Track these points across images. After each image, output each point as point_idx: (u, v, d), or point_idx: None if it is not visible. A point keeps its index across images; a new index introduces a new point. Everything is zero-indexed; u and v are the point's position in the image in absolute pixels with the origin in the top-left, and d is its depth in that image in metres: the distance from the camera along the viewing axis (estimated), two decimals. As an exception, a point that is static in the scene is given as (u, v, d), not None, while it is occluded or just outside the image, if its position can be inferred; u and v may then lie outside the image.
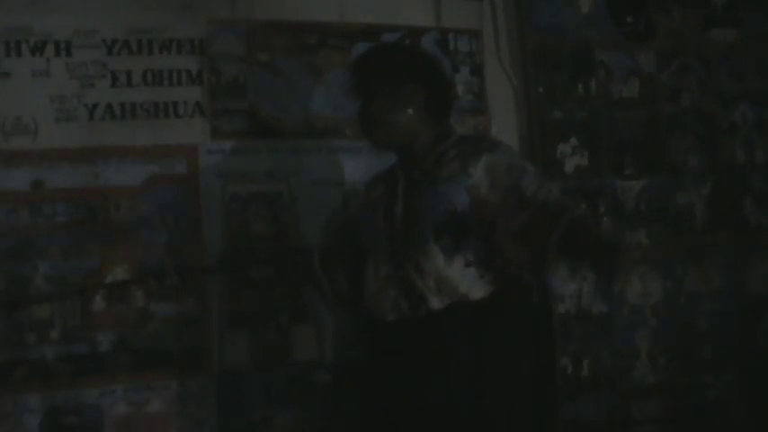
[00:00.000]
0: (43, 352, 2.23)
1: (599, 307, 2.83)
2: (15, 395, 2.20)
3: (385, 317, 2.00)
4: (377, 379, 2.06)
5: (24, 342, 2.22)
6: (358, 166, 2.53)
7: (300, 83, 2.53)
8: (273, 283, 2.40)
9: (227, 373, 2.37)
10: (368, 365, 2.12)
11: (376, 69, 2.08)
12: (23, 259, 2.24)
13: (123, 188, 2.33)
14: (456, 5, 2.73)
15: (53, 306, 2.25)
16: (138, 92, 2.38)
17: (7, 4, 2.29)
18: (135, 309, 2.31)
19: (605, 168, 2.89)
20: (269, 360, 2.41)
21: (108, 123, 2.35)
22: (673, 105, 3.02)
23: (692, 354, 2.95)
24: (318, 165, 2.52)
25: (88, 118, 2.33)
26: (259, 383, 2.40)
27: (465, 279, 1.93)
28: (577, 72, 2.88)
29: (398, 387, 1.98)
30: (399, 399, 1.97)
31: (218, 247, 2.39)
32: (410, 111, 2.04)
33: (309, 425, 2.42)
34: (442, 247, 1.93)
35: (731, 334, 3.01)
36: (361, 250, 2.10)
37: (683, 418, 2.89)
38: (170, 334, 2.33)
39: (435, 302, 1.94)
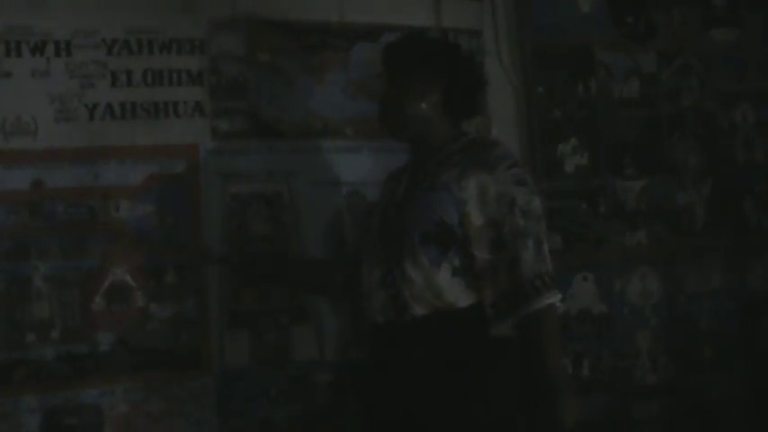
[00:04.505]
0: (43, 352, 2.23)
1: (599, 307, 2.83)
2: (15, 395, 2.20)
3: (374, 319, 1.98)
4: (365, 379, 2.06)
5: (24, 342, 2.22)
6: (358, 166, 2.53)
7: (300, 83, 2.53)
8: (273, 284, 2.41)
9: (227, 373, 2.37)
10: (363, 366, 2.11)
11: (397, 58, 2.03)
12: (23, 259, 2.24)
13: (123, 188, 2.33)
14: (456, 5, 2.73)
15: (53, 306, 2.25)
16: (138, 92, 2.38)
17: (7, 4, 2.28)
18: (135, 309, 2.31)
19: (605, 168, 2.89)
20: (269, 360, 2.41)
21: (108, 123, 2.35)
22: (673, 105, 3.02)
23: (692, 354, 2.95)
24: (318, 165, 2.52)
25: (88, 118, 2.33)
26: (259, 383, 2.40)
27: (452, 288, 1.89)
28: (577, 72, 2.88)
29: (384, 389, 1.97)
30: (385, 401, 1.96)
31: (218, 247, 2.39)
32: (423, 105, 1.98)
33: (309, 425, 2.42)
34: (429, 255, 1.89)
35: (731, 334, 3.01)
36: (359, 248, 2.08)
37: (683, 418, 2.89)
38: (170, 334, 2.33)
39: (419, 310, 1.90)
